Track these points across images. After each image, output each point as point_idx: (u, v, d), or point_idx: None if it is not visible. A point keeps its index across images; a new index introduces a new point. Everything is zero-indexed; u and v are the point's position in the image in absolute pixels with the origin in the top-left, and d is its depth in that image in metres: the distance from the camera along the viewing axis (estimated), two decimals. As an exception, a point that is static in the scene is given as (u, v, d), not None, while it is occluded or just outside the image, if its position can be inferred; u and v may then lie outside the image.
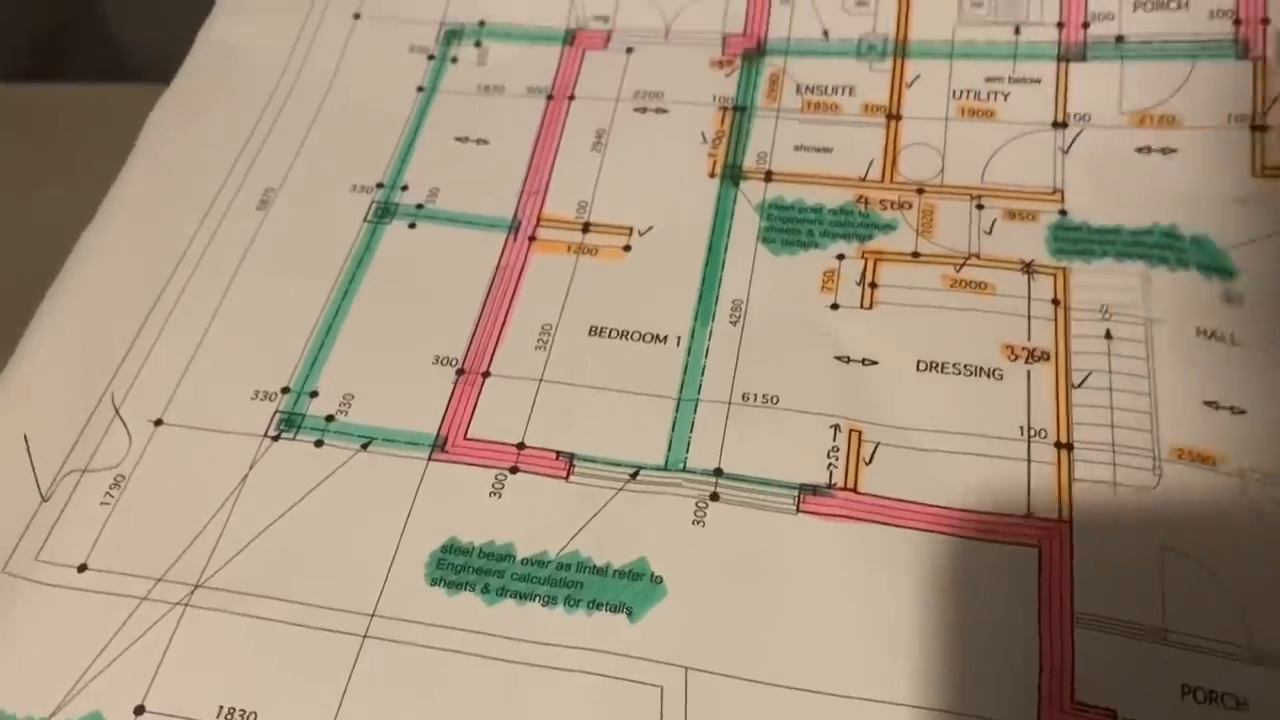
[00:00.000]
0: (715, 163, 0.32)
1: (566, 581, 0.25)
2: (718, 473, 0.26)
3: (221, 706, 0.24)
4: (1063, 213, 0.29)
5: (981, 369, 0.27)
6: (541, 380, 0.28)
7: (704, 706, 0.23)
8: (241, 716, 0.24)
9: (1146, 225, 0.29)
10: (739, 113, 0.32)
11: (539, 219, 0.31)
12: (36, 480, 0.27)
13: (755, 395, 0.27)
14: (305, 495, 0.27)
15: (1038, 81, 0.31)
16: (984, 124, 0.31)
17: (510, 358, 0.29)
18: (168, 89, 0.35)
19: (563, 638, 0.24)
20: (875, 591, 0.24)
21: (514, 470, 0.27)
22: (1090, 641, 0.23)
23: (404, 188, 0.32)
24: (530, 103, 0.34)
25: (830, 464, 0.26)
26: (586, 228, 0.31)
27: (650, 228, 0.31)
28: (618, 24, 0.35)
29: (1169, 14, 0.31)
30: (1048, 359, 0.27)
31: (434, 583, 0.25)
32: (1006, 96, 0.31)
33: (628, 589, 0.25)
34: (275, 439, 0.28)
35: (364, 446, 0.27)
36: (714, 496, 0.26)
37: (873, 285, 0.29)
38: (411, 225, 0.32)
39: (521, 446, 0.27)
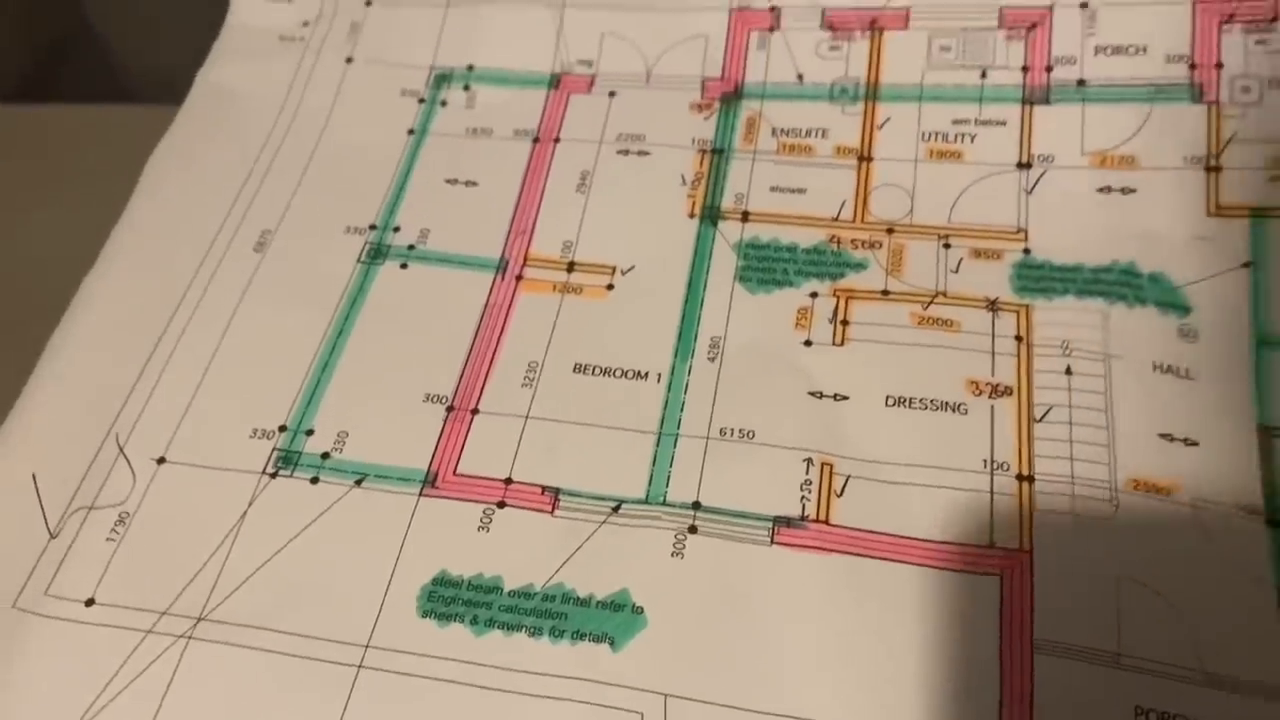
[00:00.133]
0: (694, 203, 0.33)
1: (551, 612, 0.26)
2: (696, 506, 0.28)
3: (224, 735, 0.25)
4: (1026, 251, 0.31)
5: (947, 404, 0.28)
6: (528, 417, 0.29)
7: (682, 732, 0.24)
8: (243, 745, 0.25)
9: (1106, 263, 0.30)
10: (717, 155, 0.34)
11: (526, 259, 0.33)
12: (45, 518, 0.29)
13: (732, 430, 0.29)
14: (302, 530, 0.28)
15: (1003, 124, 0.32)
16: (951, 165, 0.32)
17: (498, 395, 0.30)
18: (167, 132, 0.36)
19: (548, 667, 0.26)
20: (845, 620, 0.26)
21: (501, 505, 0.28)
22: (1049, 667, 0.25)
23: (396, 229, 0.34)
24: (517, 145, 0.35)
25: (803, 497, 0.27)
26: (571, 267, 0.32)
27: (632, 267, 0.32)
28: (601, 68, 0.36)
29: (1128, 59, 0.32)
30: (1010, 394, 0.28)
31: (425, 614, 0.26)
32: (973, 138, 0.32)
33: (610, 619, 0.26)
34: (273, 476, 0.29)
35: (358, 483, 0.29)
36: (692, 529, 0.27)
37: (844, 322, 0.30)
38: (403, 266, 0.33)
39: (509, 482, 0.28)
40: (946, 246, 0.31)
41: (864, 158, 0.33)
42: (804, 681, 0.25)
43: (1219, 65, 0.31)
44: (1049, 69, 0.33)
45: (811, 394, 0.29)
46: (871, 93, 0.34)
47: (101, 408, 0.31)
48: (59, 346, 0.32)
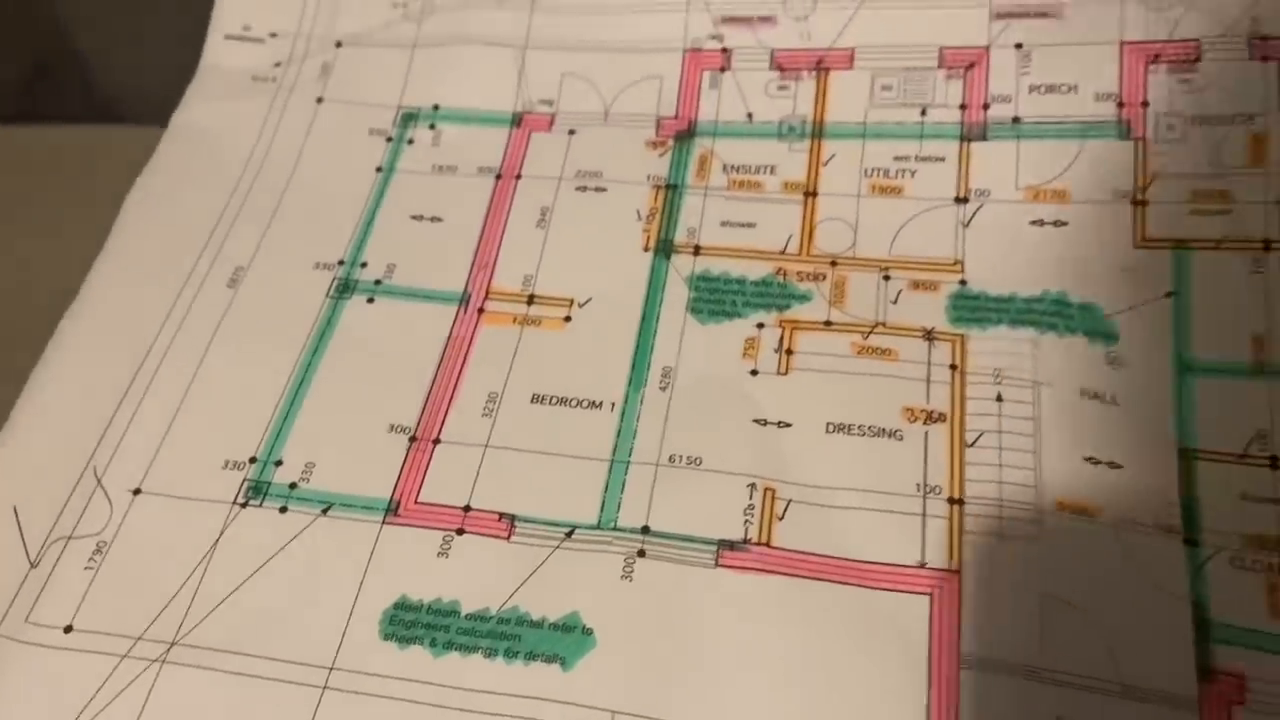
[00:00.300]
0: (649, 237, 0.35)
1: (506, 635, 0.28)
2: (645, 530, 0.29)
3: (195, 754, 0.26)
4: (963, 282, 0.32)
5: (884, 430, 0.30)
6: (487, 446, 0.31)
7: (629, 747, 0.26)
8: (213, 763, 0.26)
9: (1038, 294, 0.31)
10: (671, 190, 0.35)
11: (488, 292, 0.34)
12: (25, 548, 0.30)
13: (681, 457, 0.30)
14: (271, 558, 0.29)
15: (942, 160, 0.34)
16: (892, 200, 0.34)
17: (459, 425, 0.31)
18: (143, 171, 0.38)
19: (502, 686, 0.27)
20: (784, 638, 0.27)
21: (460, 532, 0.29)
22: (975, 682, 0.26)
23: (363, 264, 0.35)
24: (480, 182, 0.37)
25: (747, 520, 0.29)
26: (531, 300, 0.34)
27: (589, 299, 0.34)
28: (561, 107, 0.37)
29: (1060, 97, 0.34)
30: (944, 420, 0.30)
31: (386, 637, 0.28)
32: (913, 174, 0.34)
33: (560, 640, 0.27)
34: (244, 506, 0.30)
35: (324, 511, 0.30)
36: (641, 553, 0.29)
37: (789, 352, 0.32)
38: (370, 300, 0.34)
39: (467, 509, 0.30)
40: (887, 278, 0.32)
41: (810, 193, 0.34)
42: (743, 697, 0.26)
43: (1145, 104, 0.33)
44: (986, 107, 0.34)
45: (756, 421, 0.31)
46: (817, 130, 0.35)
47: (80, 441, 0.32)
48: (40, 381, 0.33)
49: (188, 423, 0.32)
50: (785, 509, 0.29)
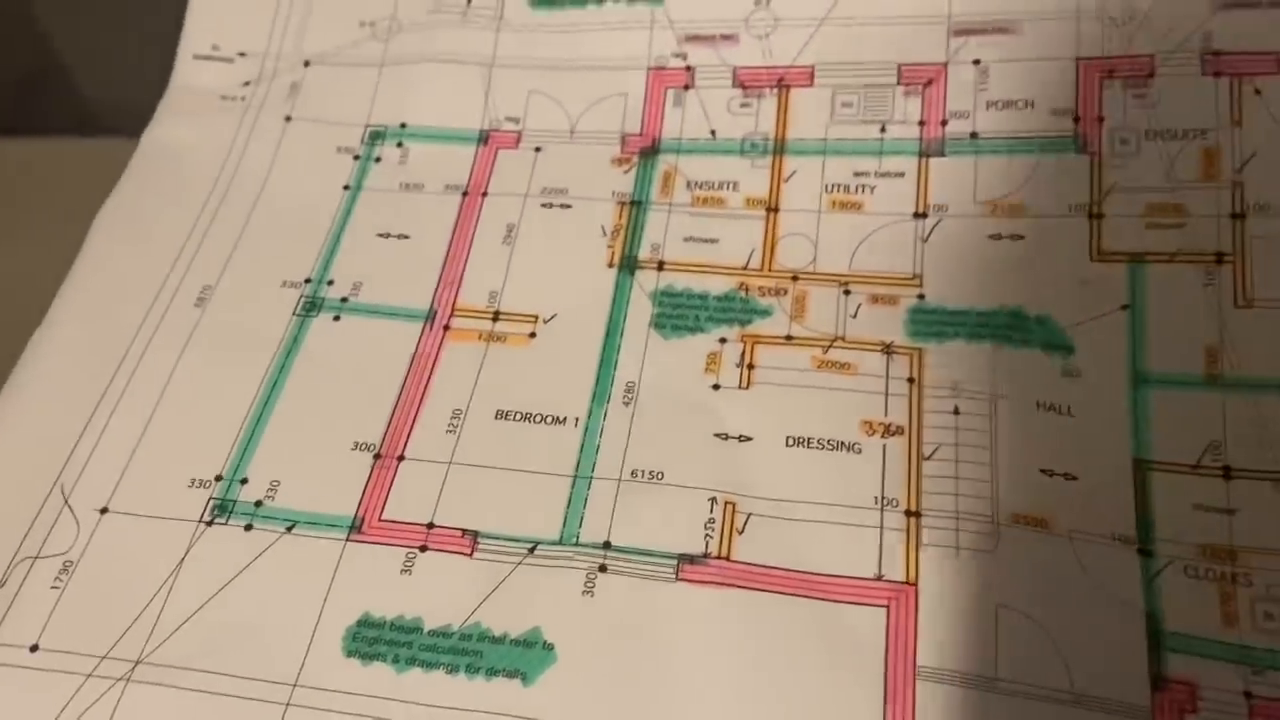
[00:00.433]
0: (614, 254, 0.35)
1: (468, 651, 0.28)
2: (606, 546, 0.29)
3: (159, 772, 0.27)
4: (921, 297, 0.32)
5: (843, 443, 0.30)
6: (451, 463, 0.31)
7: (588, 760, 0.26)
8: (176, 781, 0.26)
9: (995, 307, 0.32)
10: (635, 207, 0.36)
11: (453, 309, 0.34)
12: (-9, 568, 0.30)
13: (643, 471, 0.30)
14: (236, 576, 0.30)
15: (901, 175, 0.34)
16: (852, 215, 0.34)
17: (423, 442, 0.32)
18: (112, 190, 0.38)
19: (463, 702, 0.27)
20: (742, 651, 0.27)
21: (423, 549, 0.30)
22: (930, 693, 0.26)
23: (330, 282, 0.35)
24: (447, 199, 0.37)
25: (707, 534, 0.29)
26: (496, 316, 0.34)
27: (554, 315, 0.34)
28: (527, 125, 0.38)
29: (1017, 112, 0.34)
30: (901, 433, 0.30)
31: (350, 654, 0.28)
32: (873, 189, 0.34)
33: (521, 656, 0.28)
34: (209, 524, 0.31)
35: (288, 529, 0.30)
36: (602, 568, 0.29)
37: (750, 367, 0.32)
38: (336, 318, 0.35)
39: (431, 526, 0.30)
40: (846, 293, 0.33)
41: (772, 209, 0.35)
42: (703, 711, 0.27)
43: (1100, 119, 0.33)
44: (944, 123, 0.35)
45: (718, 435, 0.31)
46: (779, 147, 0.36)
47: (48, 460, 0.32)
48: (8, 400, 0.33)
49: (155, 441, 0.32)
50: (745, 522, 0.29)
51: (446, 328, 0.34)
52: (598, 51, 0.38)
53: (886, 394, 0.31)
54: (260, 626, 0.29)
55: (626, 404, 0.32)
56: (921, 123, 0.35)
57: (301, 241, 0.36)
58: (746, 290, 0.33)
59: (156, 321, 0.35)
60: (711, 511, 0.29)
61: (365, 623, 0.29)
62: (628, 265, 0.35)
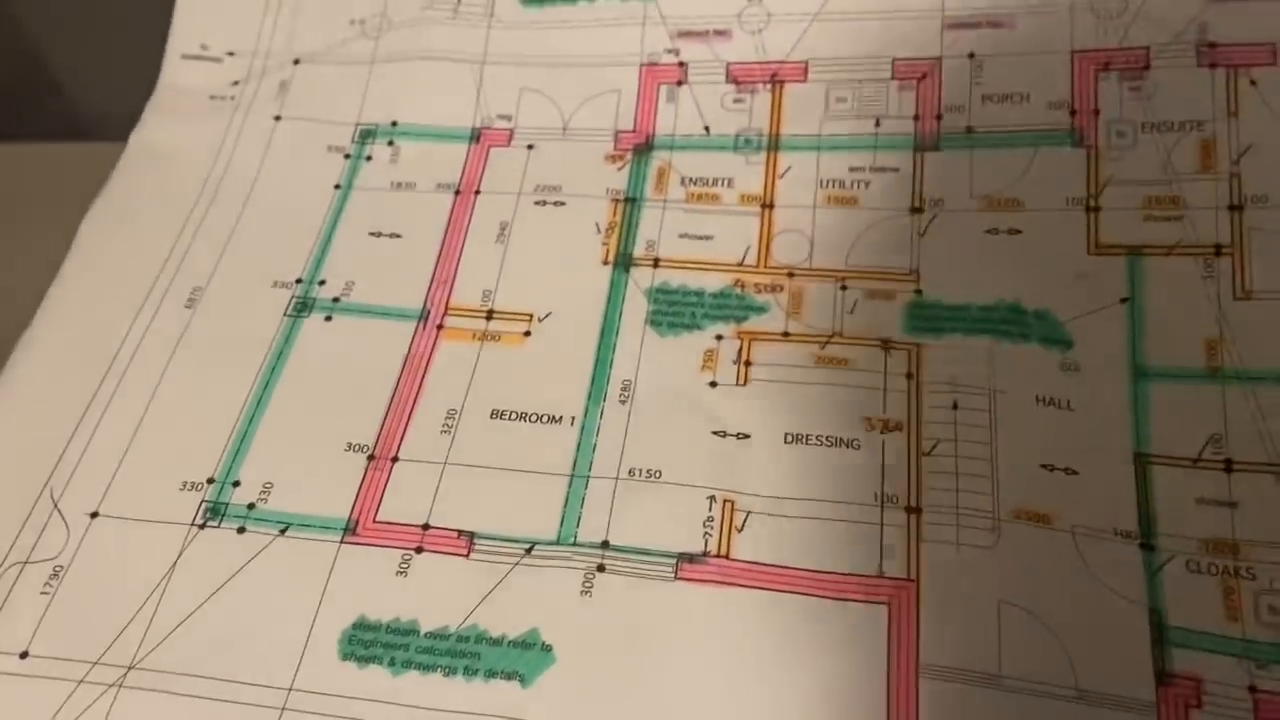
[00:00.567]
0: (608, 251, 0.35)
1: (465, 653, 0.28)
2: (605, 545, 0.29)
3: (152, 779, 0.26)
4: (918, 292, 0.32)
5: (842, 440, 0.30)
6: (446, 463, 0.31)
7: (588, 762, 0.26)
8: (170, 788, 0.26)
9: (993, 302, 0.32)
10: (630, 204, 0.35)
11: (447, 308, 0.34)
12: (-21, 574, 0.30)
13: (640, 470, 0.30)
14: (229, 580, 0.29)
15: (896, 170, 0.34)
16: (848, 211, 0.34)
17: (418, 443, 0.31)
18: (101, 191, 0.38)
19: (461, 705, 0.27)
20: (743, 650, 0.27)
21: (419, 550, 0.29)
22: (934, 691, 0.26)
23: (321, 282, 0.35)
24: (439, 198, 0.37)
25: (706, 533, 0.29)
26: (490, 315, 0.34)
27: (549, 314, 0.34)
28: (519, 122, 0.37)
29: (1012, 106, 0.34)
30: (901, 429, 0.30)
31: (345, 657, 0.28)
32: (868, 185, 0.34)
33: (520, 658, 0.27)
34: (201, 527, 0.30)
35: (282, 532, 0.30)
36: (600, 568, 0.29)
37: (747, 364, 0.32)
38: (328, 318, 0.34)
39: (426, 527, 0.30)
40: (843, 289, 0.33)
41: (767, 205, 0.34)
42: (704, 710, 0.26)
43: (1096, 111, 0.33)
44: (939, 117, 0.34)
45: (716, 433, 0.31)
46: (773, 143, 0.35)
47: (37, 464, 0.32)
48: (-4, 404, 0.33)
49: (145, 444, 0.32)
50: (745, 520, 0.29)
51: (440, 327, 0.34)
52: (590, 48, 0.38)
53: (885, 390, 0.31)
54: (254, 630, 0.28)
55: (623, 402, 0.31)
56: (916, 117, 0.35)
57: (292, 241, 0.36)
58: (743, 287, 0.33)
59: (146, 323, 0.34)
60: (710, 510, 0.29)
61: (361, 625, 0.28)
62: (623, 263, 0.34)
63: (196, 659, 0.28)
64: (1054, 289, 0.32)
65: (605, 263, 0.34)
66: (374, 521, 0.30)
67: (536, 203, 0.36)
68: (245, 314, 0.34)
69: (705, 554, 0.28)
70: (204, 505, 0.31)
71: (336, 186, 0.37)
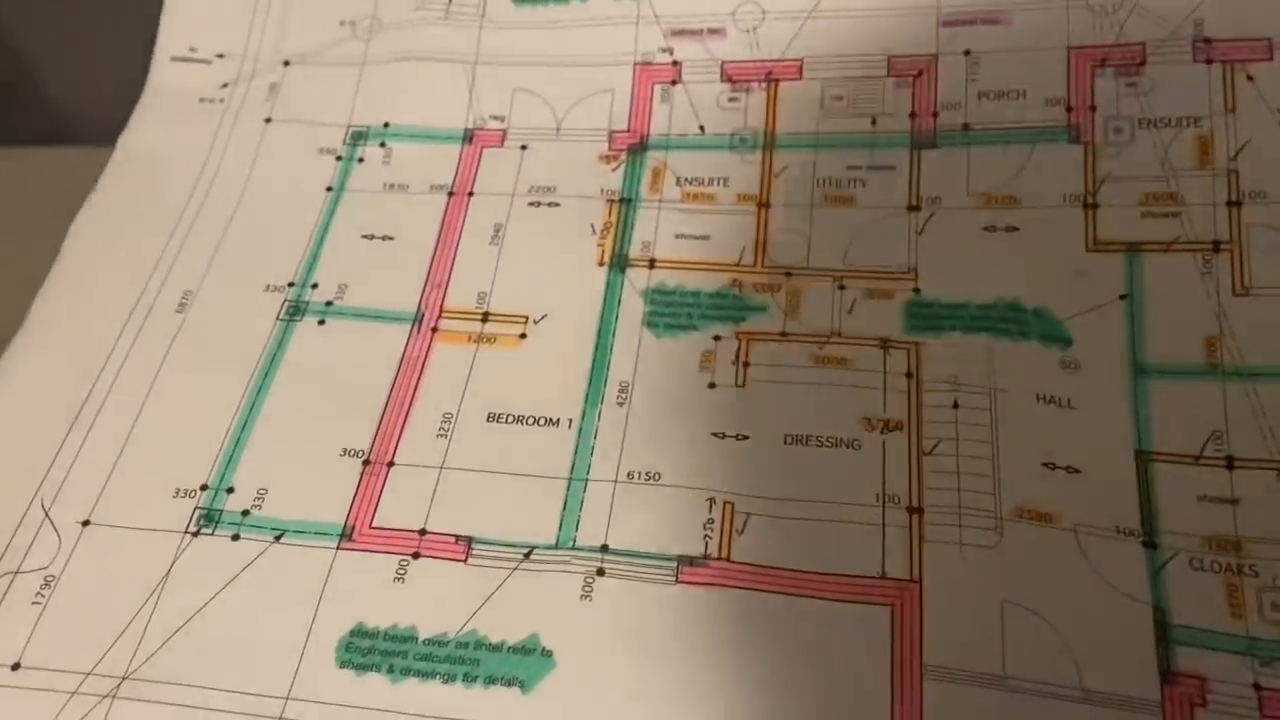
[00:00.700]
0: (604, 252, 0.34)
1: (464, 659, 0.27)
2: (604, 549, 0.29)
3: (147, 792, 0.26)
4: (916, 290, 0.32)
5: (842, 440, 0.30)
6: (442, 467, 0.31)
7: (590, 768, 0.26)
8: (166, 800, 0.26)
9: (992, 300, 0.31)
10: (625, 204, 0.35)
11: (441, 311, 0.34)
12: (-30, 585, 0.29)
13: (639, 473, 0.30)
14: (224, 588, 0.29)
15: (893, 168, 0.34)
16: (845, 210, 0.34)
17: (413, 447, 0.31)
18: (90, 196, 0.37)
19: (461, 711, 0.27)
20: (746, 654, 0.27)
21: (416, 556, 0.29)
22: (938, 692, 0.26)
23: (314, 286, 0.35)
24: (432, 199, 0.36)
25: (706, 535, 0.29)
26: (485, 318, 0.34)
27: (544, 315, 0.33)
28: (512, 123, 0.37)
29: (1009, 102, 0.34)
30: (901, 429, 0.30)
31: (343, 665, 0.27)
32: (865, 183, 0.34)
33: (520, 664, 0.27)
34: (195, 535, 0.30)
35: (277, 538, 0.30)
36: (600, 572, 0.28)
37: (746, 364, 0.32)
38: (321, 322, 0.34)
39: (423, 532, 0.29)
40: (841, 288, 0.32)
41: (763, 204, 0.34)
42: (707, 715, 0.26)
43: (1093, 107, 0.33)
44: (935, 114, 0.34)
45: (715, 434, 0.30)
46: (769, 142, 0.35)
47: (27, 473, 0.31)
48: (-17, 413, 0.32)
49: (137, 451, 0.31)
50: (745, 523, 0.29)
51: (434, 330, 0.33)
52: (583, 48, 0.38)
53: (885, 389, 0.30)
54: (250, 639, 0.28)
55: (620, 404, 0.31)
56: (913, 115, 0.34)
57: (284, 245, 0.36)
58: (740, 287, 0.33)
59: (137, 328, 0.34)
60: (710, 512, 0.29)
61: (358, 633, 0.28)
62: (618, 263, 0.34)
63: (192, 669, 0.28)
64: (1052, 286, 0.31)
65: (601, 264, 0.34)
66: (370, 527, 0.30)
67: (531, 204, 0.35)
68: (237, 318, 0.34)
69: (706, 556, 0.28)
70: (197, 512, 0.30)
71: (328, 189, 0.37)
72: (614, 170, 0.36)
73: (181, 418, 0.32)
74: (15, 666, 0.28)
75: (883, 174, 0.34)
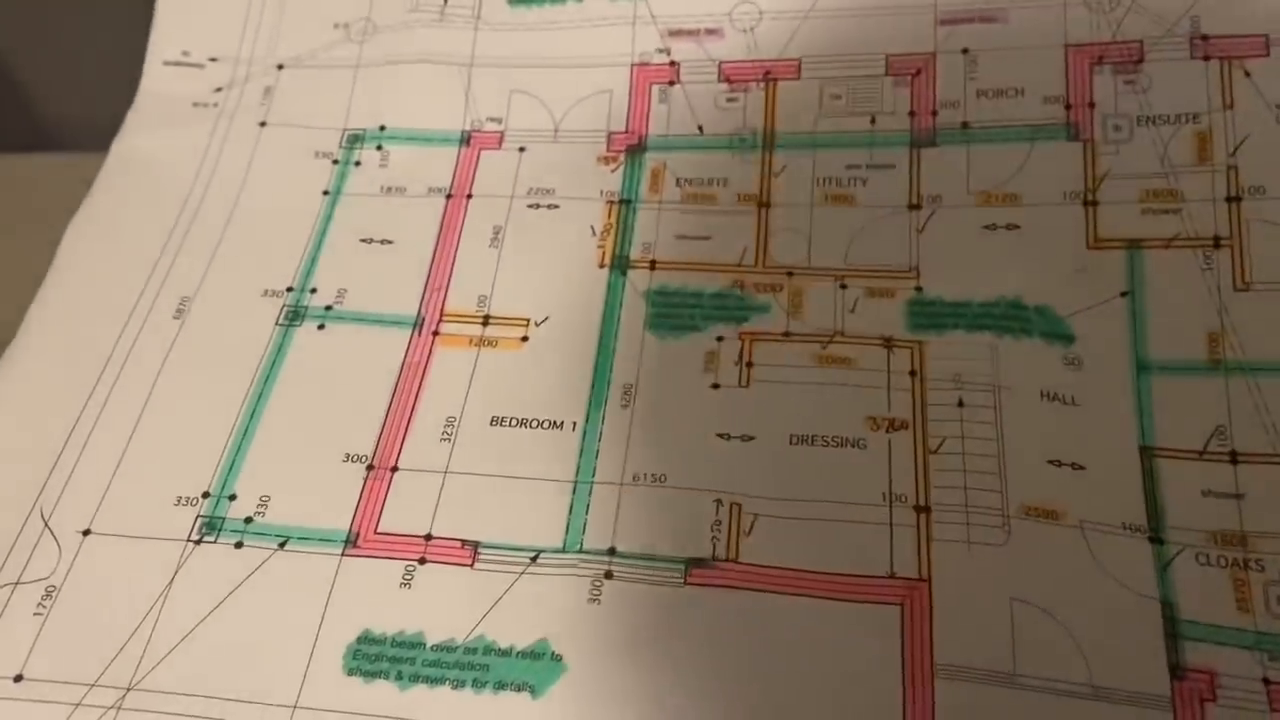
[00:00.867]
0: (604, 254, 0.34)
1: (473, 665, 0.27)
2: (612, 552, 0.29)
3: (154, 804, 0.26)
4: (918, 289, 0.32)
5: (847, 440, 0.30)
6: (447, 472, 0.30)
7: (602, 773, 0.25)
8: (174, 812, 0.25)
9: (994, 298, 0.31)
10: (625, 205, 0.35)
11: (442, 314, 0.34)
12: (-30, 597, 0.29)
13: (645, 475, 0.30)
14: (227, 596, 0.29)
15: (893, 167, 0.34)
16: (845, 209, 0.34)
17: (417, 451, 0.31)
18: (83, 202, 0.37)
19: (471, 717, 0.26)
20: (756, 656, 0.27)
21: (422, 561, 0.29)
22: (949, 691, 0.26)
23: (313, 290, 0.34)
24: (431, 202, 0.36)
25: (714, 537, 0.29)
26: (486, 321, 0.33)
27: (546, 318, 0.33)
28: (510, 125, 0.37)
29: (1008, 100, 0.34)
30: (906, 428, 0.30)
31: (351, 672, 0.27)
32: (865, 182, 0.34)
33: (529, 668, 0.27)
34: (198, 543, 0.30)
35: (281, 546, 0.29)
36: (608, 575, 0.28)
37: (749, 364, 0.31)
38: (320, 327, 0.34)
39: (429, 538, 0.29)
40: (843, 287, 0.32)
41: (763, 204, 0.34)
42: (718, 715, 0.26)
43: (1092, 105, 0.33)
44: (934, 113, 0.34)
45: (720, 435, 0.30)
46: (768, 142, 0.35)
47: (26, 483, 0.31)
48: (-21, 422, 0.32)
49: (137, 459, 0.31)
50: (752, 524, 0.29)
51: (435, 333, 0.33)
52: (579, 49, 0.37)
53: (889, 388, 0.30)
54: (256, 647, 0.28)
55: (624, 406, 0.31)
56: (912, 113, 0.34)
57: (281, 249, 0.35)
58: (742, 287, 0.33)
59: (134, 335, 0.34)
60: (717, 513, 0.29)
61: (365, 639, 0.28)
62: (619, 265, 0.34)
63: (197, 678, 0.27)
64: (1054, 284, 0.31)
65: (602, 265, 0.34)
66: (375, 533, 0.29)
67: (530, 206, 0.35)
68: (236, 324, 0.34)
69: (714, 558, 0.28)
70: (200, 520, 0.30)
71: (325, 193, 0.37)
72: (613, 171, 0.36)
73: (181, 425, 0.32)
74: (18, 678, 0.28)
75: (882, 173, 0.34)
